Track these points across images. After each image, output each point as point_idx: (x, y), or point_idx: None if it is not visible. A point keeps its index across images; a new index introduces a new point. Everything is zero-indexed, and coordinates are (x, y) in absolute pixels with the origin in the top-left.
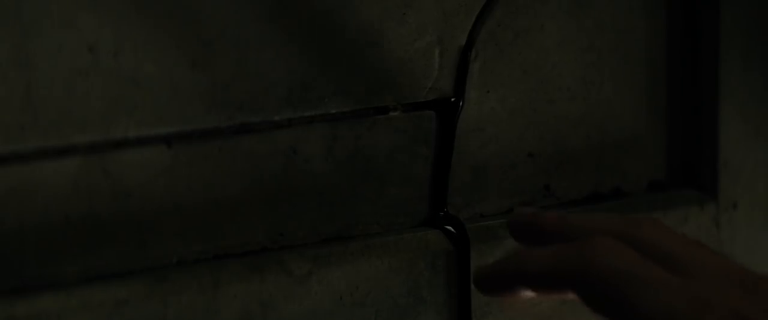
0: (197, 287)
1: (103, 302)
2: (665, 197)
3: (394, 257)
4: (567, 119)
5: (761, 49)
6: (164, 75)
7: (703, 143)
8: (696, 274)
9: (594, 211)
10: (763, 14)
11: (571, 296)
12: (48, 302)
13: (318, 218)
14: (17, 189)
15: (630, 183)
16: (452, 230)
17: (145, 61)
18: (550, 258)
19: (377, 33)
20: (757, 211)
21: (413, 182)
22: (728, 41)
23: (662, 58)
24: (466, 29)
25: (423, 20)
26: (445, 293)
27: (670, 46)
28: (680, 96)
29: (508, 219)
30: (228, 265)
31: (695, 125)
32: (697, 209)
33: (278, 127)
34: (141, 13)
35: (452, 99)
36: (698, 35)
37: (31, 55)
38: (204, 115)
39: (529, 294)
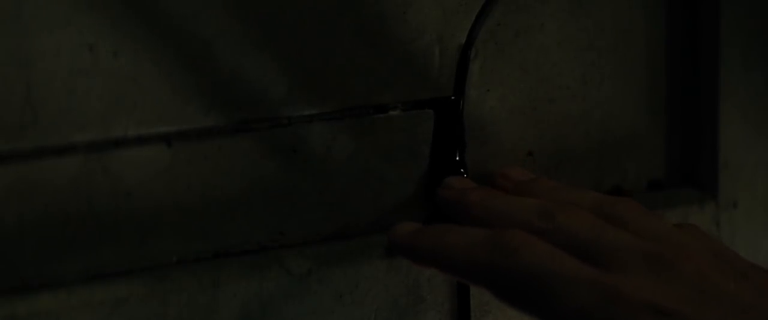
0: (197, 286)
1: (103, 301)
2: (665, 197)
3: (393, 256)
4: (567, 118)
5: (761, 48)
6: (164, 74)
7: (703, 142)
8: (615, 263)
9: None
10: (764, 13)
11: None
12: (48, 301)
13: (318, 217)
14: (17, 188)
15: (630, 182)
16: None
17: (144, 60)
18: (463, 250)
19: (377, 32)
20: (757, 210)
21: (413, 180)
22: (728, 40)
23: (662, 57)
24: (466, 28)
25: (423, 19)
26: (444, 292)
27: (670, 45)
28: (680, 95)
29: (437, 193)
30: (228, 264)
31: (695, 124)
32: (697, 208)
33: (278, 126)
34: (141, 12)
35: (452, 98)
36: (698, 34)
37: (30, 54)
38: (204, 114)
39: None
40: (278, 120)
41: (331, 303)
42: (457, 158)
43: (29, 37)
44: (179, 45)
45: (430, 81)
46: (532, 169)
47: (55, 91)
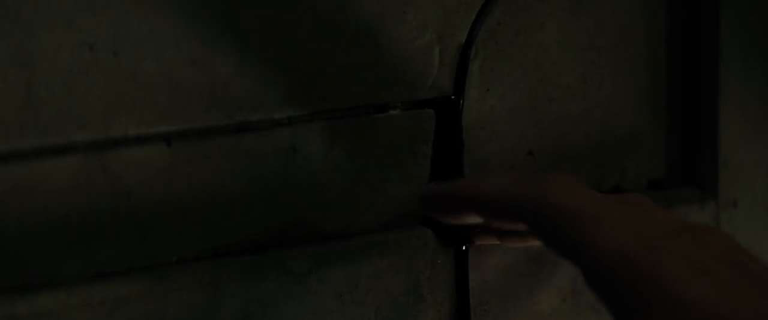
0: (197, 285)
1: (104, 300)
2: (665, 196)
3: (393, 255)
4: (567, 117)
5: (761, 47)
6: (164, 73)
7: (703, 141)
8: (654, 220)
9: None
10: (764, 12)
11: (521, 227)
12: (48, 300)
13: (318, 217)
14: (17, 188)
15: (630, 181)
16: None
17: (144, 59)
18: (506, 183)
19: (377, 31)
20: (757, 209)
21: (413, 180)
22: (728, 40)
23: (662, 56)
24: (466, 27)
25: (423, 18)
26: (444, 291)
27: (670, 45)
28: (680, 94)
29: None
30: (228, 264)
31: (695, 123)
32: (698, 207)
33: (278, 125)
34: (140, 11)
35: (452, 97)
36: (698, 34)
37: (31, 53)
38: (204, 113)
39: (476, 219)
40: (278, 119)
41: (331, 303)
42: (457, 158)
43: (29, 36)
44: (179, 44)
45: (430, 80)
46: (532, 168)
47: (55, 90)
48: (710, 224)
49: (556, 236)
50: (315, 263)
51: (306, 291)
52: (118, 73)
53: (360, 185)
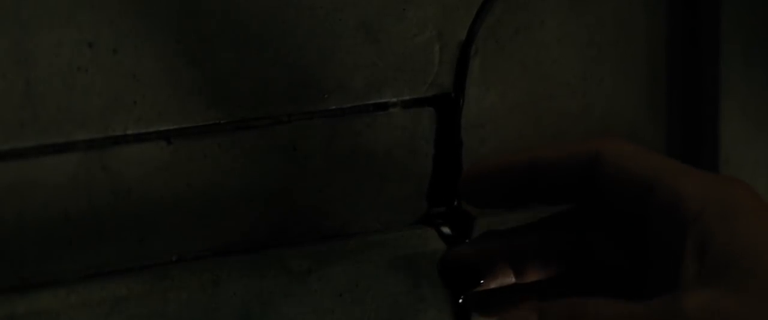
0: (197, 284)
1: (103, 299)
2: None
3: (394, 254)
4: (567, 114)
5: (763, 44)
6: (164, 71)
7: (703, 138)
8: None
9: None
10: (765, 10)
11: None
12: (48, 299)
13: (318, 215)
14: (16, 186)
15: None
16: (448, 230)
17: (144, 57)
18: (563, 148)
19: (377, 28)
20: None
21: (413, 178)
22: (729, 37)
23: (663, 53)
24: (466, 25)
25: (423, 15)
26: (445, 291)
27: (670, 42)
28: (681, 92)
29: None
30: (228, 262)
31: (696, 120)
32: None
33: (278, 123)
34: (140, 9)
35: (452, 95)
36: (699, 31)
37: (30, 51)
38: (203, 111)
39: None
40: (278, 117)
41: (331, 302)
42: (456, 156)
43: (29, 34)
44: (179, 42)
45: (430, 78)
46: None
47: (55, 88)
48: None
49: (623, 173)
50: (315, 262)
51: (306, 290)
52: (118, 71)
53: (360, 184)
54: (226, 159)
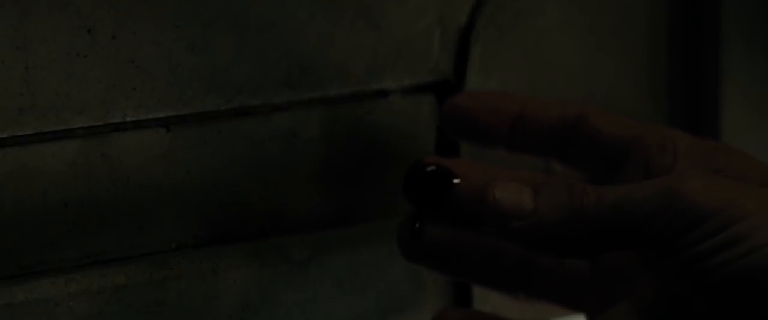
0: (196, 272)
1: (102, 287)
2: None
3: (394, 242)
4: (568, 100)
5: (764, 31)
6: (163, 58)
7: (705, 125)
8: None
9: None
10: None
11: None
12: (46, 288)
13: (318, 203)
14: (15, 173)
15: None
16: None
17: (143, 43)
18: (553, 104)
19: (377, 14)
20: None
21: None
22: (730, 23)
23: (663, 40)
24: (467, 11)
25: (423, 1)
26: (445, 278)
27: (671, 28)
28: (682, 78)
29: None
30: (227, 251)
31: (697, 107)
32: None
33: (277, 110)
34: None
35: (453, 81)
36: (700, 17)
37: (28, 37)
38: (203, 98)
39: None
40: (278, 104)
41: (331, 290)
42: (456, 143)
43: (27, 19)
44: (178, 28)
45: (430, 64)
46: None
47: (53, 74)
48: None
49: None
50: (315, 250)
51: (306, 279)
52: (117, 57)
53: (360, 171)
54: (225, 146)
